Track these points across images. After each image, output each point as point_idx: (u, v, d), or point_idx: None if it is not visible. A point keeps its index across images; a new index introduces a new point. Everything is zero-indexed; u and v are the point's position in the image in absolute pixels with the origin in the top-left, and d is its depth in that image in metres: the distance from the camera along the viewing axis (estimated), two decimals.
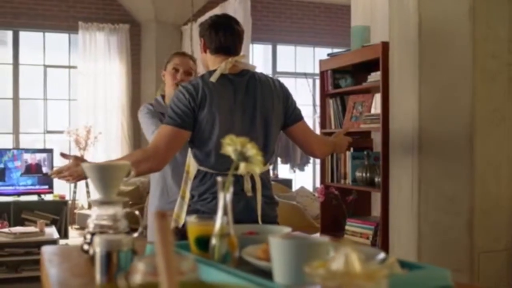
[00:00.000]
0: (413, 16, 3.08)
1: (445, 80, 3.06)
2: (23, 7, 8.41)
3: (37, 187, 6.97)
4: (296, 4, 9.99)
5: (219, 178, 1.32)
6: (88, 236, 1.59)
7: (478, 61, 3.02)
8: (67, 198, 7.36)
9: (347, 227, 4.12)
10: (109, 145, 8.77)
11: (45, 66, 8.74)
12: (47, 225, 6.33)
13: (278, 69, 10.00)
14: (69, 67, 8.87)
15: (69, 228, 7.21)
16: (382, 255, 1.26)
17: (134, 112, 8.99)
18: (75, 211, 8.08)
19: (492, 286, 3.09)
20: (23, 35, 8.59)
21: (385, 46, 3.52)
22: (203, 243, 1.36)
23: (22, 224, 6.43)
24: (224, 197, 1.32)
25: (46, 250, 1.74)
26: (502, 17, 3.08)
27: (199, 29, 2.64)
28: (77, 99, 8.75)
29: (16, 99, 8.57)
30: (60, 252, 1.72)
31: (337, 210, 4.27)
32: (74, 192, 8.30)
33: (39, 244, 5.41)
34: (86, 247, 1.61)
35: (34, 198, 6.95)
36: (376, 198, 4.14)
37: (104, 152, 8.67)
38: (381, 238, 3.62)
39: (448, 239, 3.07)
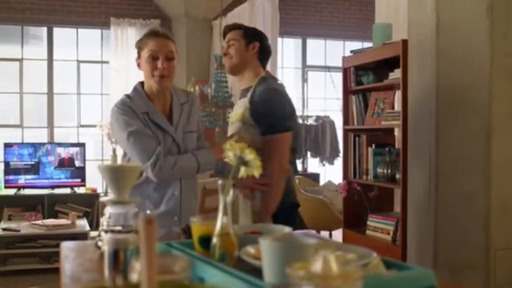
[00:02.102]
0: (431, 15, 3.10)
1: (462, 78, 3.08)
2: (57, 4, 8.60)
3: (70, 180, 7.15)
4: None
5: (220, 181, 1.39)
6: (102, 234, 1.69)
7: (496, 60, 3.03)
8: (98, 191, 7.53)
9: (368, 223, 4.17)
10: None
11: (78, 62, 8.92)
12: (79, 217, 6.52)
13: (308, 62, 10.03)
14: (102, 62, 9.04)
15: (101, 220, 7.37)
16: (374, 255, 1.32)
17: None
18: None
19: (509, 283, 3.10)
20: (57, 31, 8.78)
21: (405, 44, 3.55)
22: (205, 242, 1.44)
23: (56, 217, 6.61)
24: (225, 199, 1.40)
25: (65, 245, 1.85)
26: None
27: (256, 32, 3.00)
28: (109, 94, 8.92)
29: (50, 94, 8.77)
30: (77, 248, 1.83)
31: (360, 205, 4.32)
32: (107, 185, 8.49)
33: (70, 236, 5.59)
34: (100, 243, 1.71)
35: (67, 191, 7.13)
36: (398, 194, 4.17)
37: None
38: (401, 234, 3.66)
39: (464, 236, 3.09)
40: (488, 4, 3.01)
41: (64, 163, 7.14)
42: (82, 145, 7.31)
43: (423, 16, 3.17)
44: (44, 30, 8.75)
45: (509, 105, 3.08)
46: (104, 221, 1.71)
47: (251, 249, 1.37)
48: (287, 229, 1.56)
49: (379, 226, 4.07)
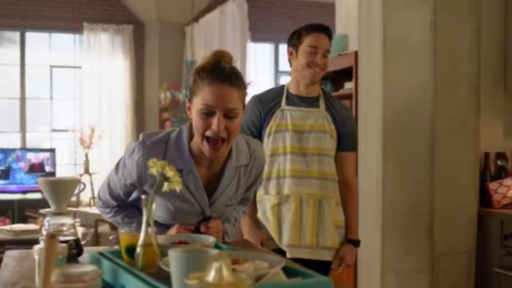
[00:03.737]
0: (378, 28, 3.23)
1: (408, 90, 3.21)
2: (29, 8, 8.63)
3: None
4: (299, 3, 10.12)
5: (143, 196, 1.50)
6: (42, 243, 1.78)
7: (439, 73, 3.17)
8: None
9: None
10: (113, 143, 8.99)
11: (51, 66, 8.97)
12: None
13: (280, 68, 10.16)
14: (75, 67, 9.09)
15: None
16: (282, 263, 1.43)
17: (137, 111, 9.21)
18: (79, 208, 8.31)
19: (452, 287, 3.24)
20: (30, 36, 8.82)
21: (357, 55, 3.68)
22: (131, 251, 1.54)
23: (26, 222, 6.64)
24: (149, 211, 1.50)
25: (9, 254, 1.94)
26: (463, 30, 3.22)
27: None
28: (82, 99, 8.97)
29: (23, 98, 8.80)
30: (20, 256, 1.92)
31: None
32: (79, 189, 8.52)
33: (38, 241, 5.62)
34: None
35: (38, 196, 7.17)
36: None
37: (108, 150, 8.90)
38: None
39: (410, 242, 3.22)
40: (431, 19, 3.14)
41: (35, 169, 7.19)
42: (52, 151, 7.37)
43: (371, 29, 3.29)
44: (17, 34, 8.77)
45: (452, 117, 3.22)
46: (43, 231, 1.80)
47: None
48: (211, 239, 1.66)
49: None
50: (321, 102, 2.78)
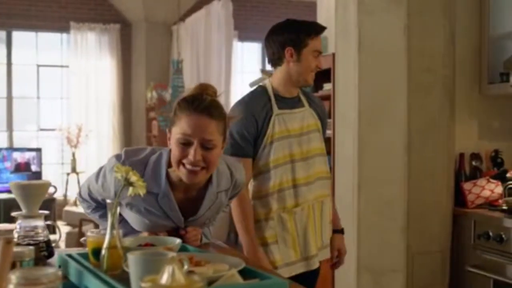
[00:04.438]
0: (354, 31, 3.28)
1: (382, 91, 3.26)
2: (16, 8, 8.64)
3: None
4: (286, 3, 10.17)
5: (108, 200, 1.55)
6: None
7: (413, 75, 3.23)
8: (56, 195, 7.60)
9: None
10: (100, 142, 9.02)
11: (38, 66, 8.98)
12: None
13: (268, 67, 10.20)
14: (61, 66, 9.11)
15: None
16: (243, 264, 1.48)
17: (124, 110, 9.24)
18: (66, 207, 8.33)
19: (426, 285, 3.30)
20: (16, 35, 8.83)
21: (334, 57, 3.72)
22: (97, 253, 1.58)
23: (12, 221, 6.66)
24: (113, 215, 1.54)
25: None
26: (437, 32, 3.27)
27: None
28: (69, 98, 9.00)
29: (9, 98, 8.81)
30: None
31: None
32: (66, 189, 8.56)
33: None
34: None
35: None
36: None
37: (95, 149, 8.93)
38: None
39: (385, 241, 3.28)
40: (405, 23, 3.20)
41: (21, 168, 7.20)
42: (38, 150, 7.38)
43: (347, 31, 3.34)
44: (3, 34, 8.78)
45: (426, 119, 3.28)
46: (15, 233, 1.84)
47: None
48: (178, 241, 1.71)
49: None
50: (303, 99, 2.64)
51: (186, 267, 1.31)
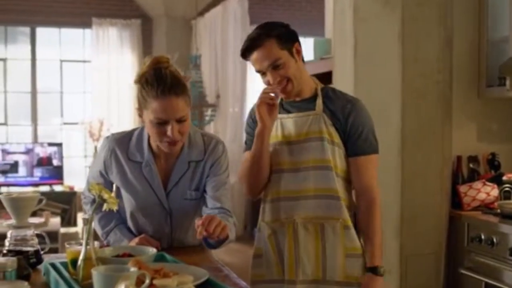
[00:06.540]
0: (350, 36, 3.35)
1: (377, 96, 3.32)
2: (39, 4, 8.84)
3: (48, 178, 7.45)
4: None
5: (84, 216, 1.67)
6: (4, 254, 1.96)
7: (407, 80, 3.29)
8: (75, 189, 7.81)
9: None
10: None
11: (61, 61, 9.19)
12: (56, 214, 6.80)
13: None
14: (84, 61, 9.30)
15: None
16: (207, 276, 1.60)
17: None
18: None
19: (419, 287, 3.37)
20: (40, 31, 9.04)
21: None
22: (75, 264, 1.71)
23: (34, 214, 6.89)
24: (89, 228, 1.67)
25: None
26: (431, 38, 3.32)
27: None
28: (92, 92, 9.19)
29: (34, 92, 9.04)
30: None
31: None
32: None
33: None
34: None
35: (46, 189, 7.42)
36: None
37: None
38: None
39: None
40: (399, 30, 3.26)
41: (43, 162, 7.42)
42: (59, 145, 7.59)
43: (344, 36, 3.41)
44: (27, 30, 9.00)
45: (420, 123, 3.34)
46: (6, 242, 1.98)
47: None
48: (152, 251, 1.83)
49: None
50: (318, 102, 2.25)
51: (147, 281, 1.42)
